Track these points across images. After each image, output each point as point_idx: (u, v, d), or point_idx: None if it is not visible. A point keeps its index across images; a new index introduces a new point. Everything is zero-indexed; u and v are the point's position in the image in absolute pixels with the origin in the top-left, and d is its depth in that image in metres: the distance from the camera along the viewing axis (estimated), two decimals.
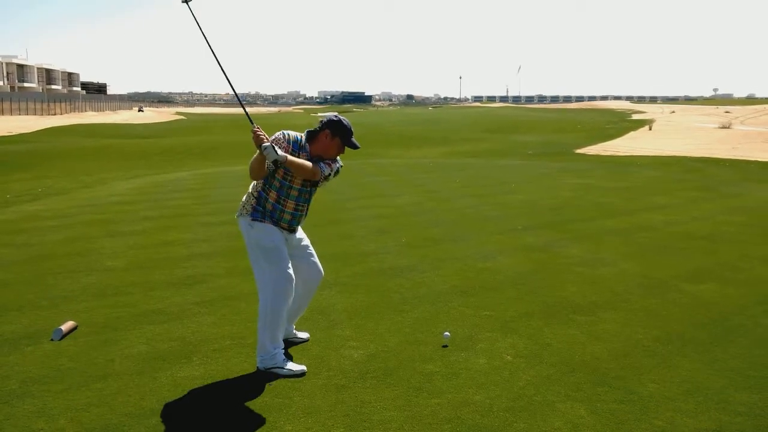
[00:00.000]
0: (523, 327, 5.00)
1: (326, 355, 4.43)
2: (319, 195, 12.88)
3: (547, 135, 39.54)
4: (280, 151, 3.89)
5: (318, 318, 5.18)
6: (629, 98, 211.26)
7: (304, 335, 4.74)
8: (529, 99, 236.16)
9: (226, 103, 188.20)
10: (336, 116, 4.29)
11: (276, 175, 4.13)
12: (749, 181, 15.31)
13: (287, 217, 4.19)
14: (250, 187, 4.28)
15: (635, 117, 65.17)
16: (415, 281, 6.30)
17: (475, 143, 32.82)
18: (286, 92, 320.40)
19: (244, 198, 4.28)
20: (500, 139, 36.01)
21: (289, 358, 4.32)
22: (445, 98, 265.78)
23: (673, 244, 8.04)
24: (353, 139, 4.28)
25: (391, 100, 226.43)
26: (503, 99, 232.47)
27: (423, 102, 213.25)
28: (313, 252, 4.49)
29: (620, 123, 54.00)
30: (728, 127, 42.56)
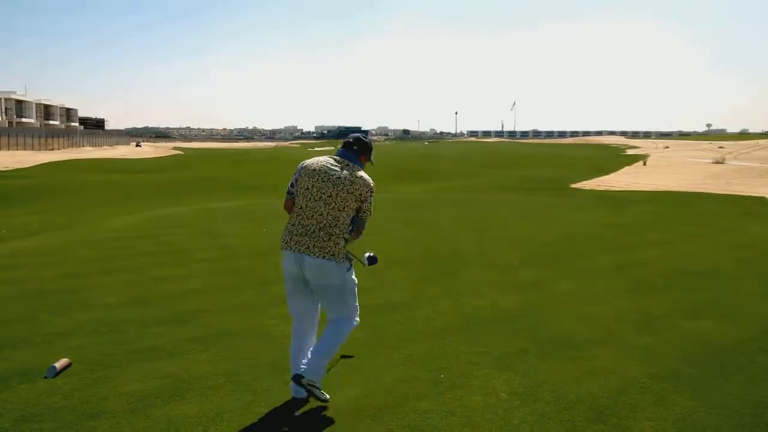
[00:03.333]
0: (519, 363, 5.00)
1: None
2: None
3: (543, 170, 39.81)
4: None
5: None
6: (623, 133, 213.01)
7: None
8: (524, 134, 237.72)
9: (223, 138, 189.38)
10: (368, 139, 4.56)
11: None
12: (744, 216, 15.40)
13: None
14: (328, 230, 4.24)
15: (630, 152, 65.73)
16: (410, 317, 6.30)
17: (471, 178, 33.04)
18: (283, 127, 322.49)
19: (327, 241, 4.26)
20: (495, 173, 36.27)
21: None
22: (441, 133, 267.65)
23: (668, 280, 8.07)
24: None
25: (387, 135, 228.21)
26: (498, 134, 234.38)
27: (419, 137, 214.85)
28: None
29: (615, 158, 54.45)
30: (722, 162, 42.92)
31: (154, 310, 6.51)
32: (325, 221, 4.19)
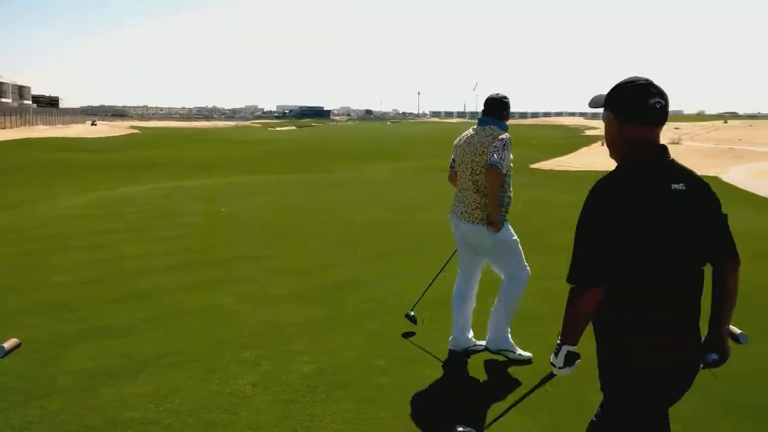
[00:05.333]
0: (478, 339, 5.05)
1: (276, 370, 4.40)
2: (278, 207, 12.77)
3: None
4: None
5: (270, 332, 5.15)
6: (583, 114, 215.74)
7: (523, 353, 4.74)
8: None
9: (182, 117, 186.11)
10: (504, 97, 4.68)
11: (507, 173, 4.53)
12: None
13: (509, 205, 4.67)
14: (475, 196, 4.54)
15: (588, 133, 66.66)
16: (372, 295, 6.32)
17: (434, 158, 33.09)
18: (243, 106, 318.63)
19: (475, 208, 4.56)
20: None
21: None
22: (404, 113, 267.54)
23: None
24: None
25: (349, 115, 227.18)
26: (461, 114, 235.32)
27: (382, 117, 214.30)
28: None
29: (574, 138, 55.19)
30: (678, 143, 43.81)
31: (109, 288, 6.39)
32: (472, 188, 4.53)
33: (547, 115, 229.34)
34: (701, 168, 19.09)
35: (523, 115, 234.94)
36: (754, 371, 4.49)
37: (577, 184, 18.67)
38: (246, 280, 6.73)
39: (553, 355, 2.43)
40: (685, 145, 42.45)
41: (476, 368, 4.55)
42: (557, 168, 26.88)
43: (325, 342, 4.96)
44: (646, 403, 2.32)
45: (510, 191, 4.62)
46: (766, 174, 22.65)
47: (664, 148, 2.28)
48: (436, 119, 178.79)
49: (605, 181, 2.26)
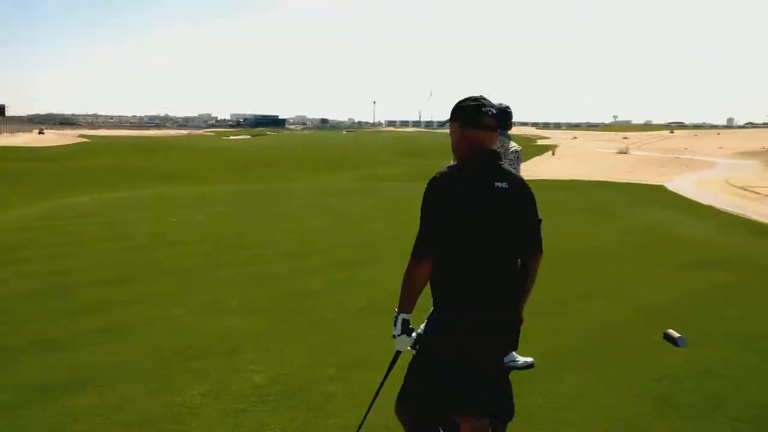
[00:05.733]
0: None
1: (226, 380, 4.41)
2: (231, 217, 12.63)
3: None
4: None
5: (221, 343, 5.15)
6: (535, 124, 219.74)
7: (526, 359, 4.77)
8: (441, 124, 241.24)
9: (133, 126, 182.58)
10: (508, 107, 4.67)
11: None
12: (640, 204, 16.27)
13: None
14: None
15: (540, 143, 67.92)
16: (324, 304, 6.36)
17: (389, 167, 33.33)
18: (196, 114, 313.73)
19: None
20: (413, 162, 36.72)
21: None
22: (359, 122, 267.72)
23: (565, 264, 8.43)
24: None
25: (305, 124, 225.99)
26: (416, 124, 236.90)
27: (337, 126, 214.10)
28: None
29: (526, 148, 55.87)
30: (625, 153, 45.07)
31: (56, 301, 6.28)
32: None
33: None
34: (649, 177, 19.95)
35: None
36: (691, 372, 4.69)
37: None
38: (196, 291, 6.69)
39: (393, 327, 2.78)
40: (633, 155, 43.66)
41: None
42: None
43: (276, 351, 4.99)
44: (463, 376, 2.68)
45: None
46: (708, 183, 23.49)
47: (496, 154, 2.72)
48: (392, 128, 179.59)
49: (442, 172, 2.64)
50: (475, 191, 2.59)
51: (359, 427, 3.16)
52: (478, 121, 2.69)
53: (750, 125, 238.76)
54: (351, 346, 5.12)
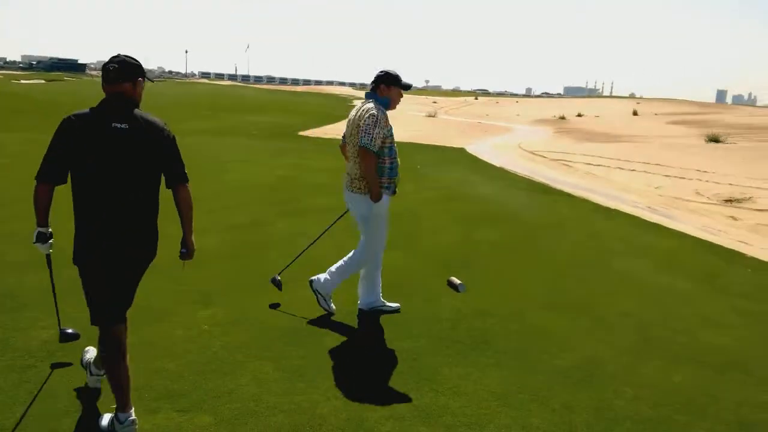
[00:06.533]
0: (225, 299, 5.25)
1: (11, 337, 4.22)
2: (12, 170, 11.55)
3: (274, 116, 40.11)
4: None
5: (4, 300, 4.86)
6: (352, 85, 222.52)
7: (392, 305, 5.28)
8: (258, 79, 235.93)
9: None
10: (382, 71, 4.89)
11: (384, 144, 4.74)
12: (445, 164, 17.37)
13: (397, 169, 4.90)
14: (356, 166, 4.82)
15: (356, 102, 68.90)
16: None
17: (199, 121, 32.09)
18: None
19: (356, 177, 4.84)
20: (226, 117, 35.67)
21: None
22: (170, 72, 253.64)
23: None
24: (405, 84, 4.96)
25: None
26: (232, 77, 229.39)
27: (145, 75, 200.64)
28: None
29: (343, 108, 56.80)
30: (434, 116, 47.43)
31: None
32: (353, 160, 4.82)
33: (318, 83, 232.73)
34: (453, 140, 21.09)
35: (296, 82, 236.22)
36: (467, 314, 5.26)
37: (339, 151, 19.50)
38: None
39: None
40: (440, 119, 46.06)
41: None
42: (324, 135, 27.65)
43: (64, 309, 4.81)
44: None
45: (394, 159, 4.86)
46: (503, 147, 25.55)
47: (121, 98, 3.15)
48: (205, 80, 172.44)
49: (76, 113, 3.07)
50: (94, 130, 3.01)
51: None
52: (106, 77, 3.18)
53: (545, 95, 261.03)
54: (140, 299, 5.08)
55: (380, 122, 4.67)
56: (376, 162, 4.72)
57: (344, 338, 4.64)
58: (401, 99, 5.05)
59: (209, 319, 4.80)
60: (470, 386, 4.01)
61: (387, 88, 4.88)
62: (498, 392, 3.97)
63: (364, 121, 4.66)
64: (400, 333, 4.79)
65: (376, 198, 4.75)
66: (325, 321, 4.94)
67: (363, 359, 4.34)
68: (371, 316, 5.12)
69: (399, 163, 4.95)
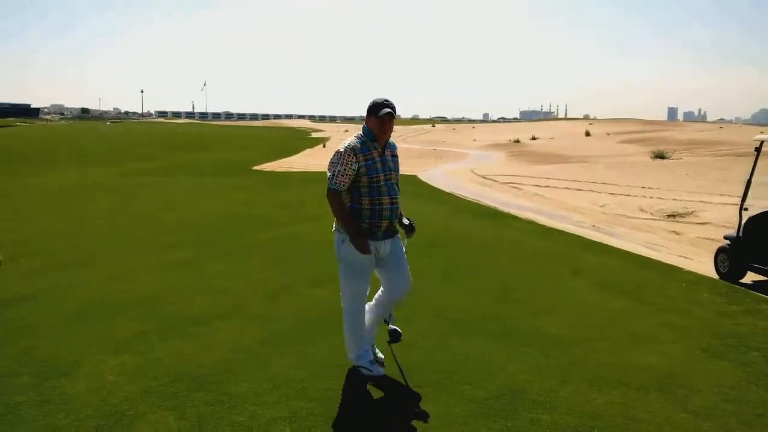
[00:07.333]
0: (136, 345, 5.01)
1: None
2: None
3: (230, 152, 39.89)
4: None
5: None
6: (311, 118, 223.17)
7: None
8: (217, 116, 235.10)
9: None
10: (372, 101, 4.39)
11: (360, 183, 4.27)
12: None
13: (387, 213, 4.36)
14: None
15: (314, 135, 69.25)
16: (32, 310, 5.91)
17: (153, 161, 31.69)
18: None
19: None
20: (180, 156, 35.32)
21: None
22: (126, 113, 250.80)
23: (306, 251, 8.75)
24: (382, 111, 4.30)
25: (63, 114, 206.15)
26: (189, 115, 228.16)
27: (101, 116, 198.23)
28: (404, 263, 4.60)
29: (300, 141, 56.90)
30: None
31: None
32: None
33: (277, 117, 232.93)
34: (405, 167, 20.84)
35: (254, 117, 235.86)
36: (404, 344, 5.11)
37: (291, 185, 19.37)
38: None
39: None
40: (399, 147, 46.17)
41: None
42: (279, 169, 27.50)
43: None
44: None
45: (377, 201, 4.32)
46: (456, 173, 25.72)
47: None
48: (162, 119, 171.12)
49: None
50: None
51: None
52: None
53: (502, 119, 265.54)
54: (49, 352, 4.82)
55: (343, 158, 4.22)
56: (340, 201, 4.28)
57: (254, 385, 4.42)
58: (391, 129, 4.41)
59: (117, 368, 4.56)
60: (386, 422, 3.86)
61: (368, 117, 4.37)
62: (414, 427, 3.83)
63: (332, 160, 4.32)
64: (318, 372, 4.60)
65: (352, 241, 4.28)
66: (239, 365, 4.72)
67: (274, 402, 4.15)
68: (290, 357, 4.92)
69: (392, 206, 4.40)
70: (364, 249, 4.28)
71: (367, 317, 4.69)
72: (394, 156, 4.58)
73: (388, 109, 4.30)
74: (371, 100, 4.40)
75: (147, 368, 4.55)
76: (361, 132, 4.38)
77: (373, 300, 4.79)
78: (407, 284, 4.64)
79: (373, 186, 4.29)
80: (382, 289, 4.73)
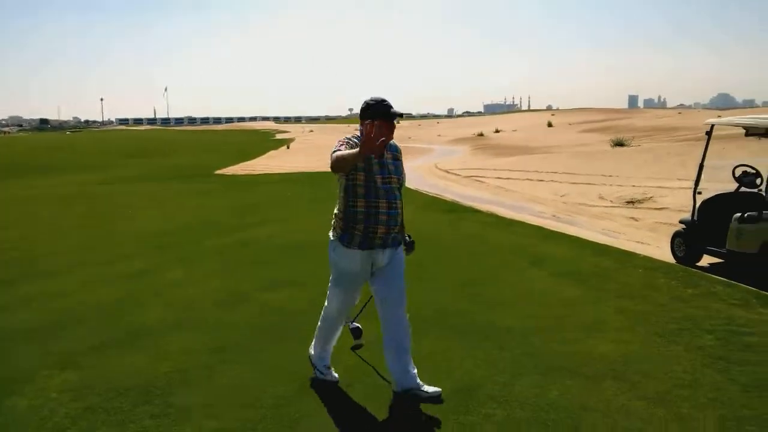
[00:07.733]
0: (86, 360, 4.85)
1: None
2: None
3: (193, 157, 39.45)
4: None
5: None
6: (276, 119, 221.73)
7: (433, 390, 4.19)
8: (179, 121, 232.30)
9: None
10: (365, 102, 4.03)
11: (357, 182, 3.93)
12: None
13: (383, 217, 3.96)
14: (336, 209, 4.11)
15: (279, 137, 68.85)
16: None
17: (112, 169, 31.11)
18: None
19: (333, 221, 4.15)
20: (140, 163, 34.79)
21: None
22: (87, 121, 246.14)
23: (266, 256, 8.63)
24: (391, 111, 3.96)
25: (21, 125, 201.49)
26: (151, 121, 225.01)
27: (60, 126, 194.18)
28: (399, 281, 4.21)
29: (264, 143, 56.51)
30: None
31: None
32: None
33: (242, 119, 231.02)
34: None
35: (218, 121, 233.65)
36: (346, 347, 5.03)
37: (251, 187, 19.17)
38: None
39: None
40: None
41: None
42: (241, 172, 27.23)
43: None
44: None
45: (373, 204, 3.95)
46: (419, 168, 25.74)
47: None
48: (123, 127, 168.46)
49: None
50: None
51: None
52: None
53: (467, 113, 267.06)
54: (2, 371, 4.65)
55: (344, 140, 3.91)
56: (336, 155, 3.77)
57: (202, 396, 4.31)
58: (386, 131, 3.92)
59: (61, 384, 4.41)
60: (339, 426, 3.80)
61: (366, 122, 3.94)
62: (368, 429, 3.77)
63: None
64: (270, 379, 4.51)
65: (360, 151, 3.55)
66: (189, 375, 4.60)
67: (221, 413, 4.04)
68: (242, 366, 4.82)
69: (390, 211, 4.00)
70: (374, 148, 3.51)
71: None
72: (396, 159, 4.18)
73: (395, 114, 4.01)
74: (365, 102, 4.06)
75: (94, 383, 4.41)
76: (357, 133, 4.06)
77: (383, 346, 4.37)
78: (400, 306, 4.27)
79: (370, 187, 3.94)
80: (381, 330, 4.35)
